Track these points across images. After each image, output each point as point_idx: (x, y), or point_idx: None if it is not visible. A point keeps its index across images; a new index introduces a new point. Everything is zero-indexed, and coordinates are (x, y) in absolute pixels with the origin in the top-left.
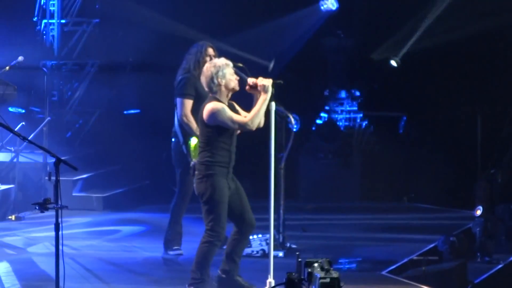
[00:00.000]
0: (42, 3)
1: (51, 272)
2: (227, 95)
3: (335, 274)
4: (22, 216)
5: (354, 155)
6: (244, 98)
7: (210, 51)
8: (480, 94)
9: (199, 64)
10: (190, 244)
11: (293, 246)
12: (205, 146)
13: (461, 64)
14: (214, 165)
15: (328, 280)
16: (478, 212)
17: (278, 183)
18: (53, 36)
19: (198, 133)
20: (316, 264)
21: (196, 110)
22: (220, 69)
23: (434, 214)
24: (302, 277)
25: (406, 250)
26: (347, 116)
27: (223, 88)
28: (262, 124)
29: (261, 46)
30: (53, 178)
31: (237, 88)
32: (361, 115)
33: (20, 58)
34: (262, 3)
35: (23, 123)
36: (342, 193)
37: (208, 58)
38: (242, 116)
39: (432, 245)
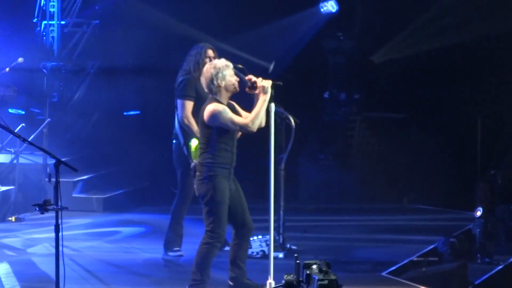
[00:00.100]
0: (42, 4)
1: (51, 273)
2: (227, 96)
3: (333, 276)
4: (22, 217)
5: (354, 157)
6: (244, 98)
7: (210, 52)
8: (480, 95)
9: (199, 65)
10: (190, 245)
11: (293, 247)
12: (206, 147)
13: (462, 65)
14: (215, 167)
15: (326, 282)
16: (478, 213)
17: (278, 184)
18: (53, 37)
19: (198, 134)
20: (314, 266)
21: (197, 112)
22: (220, 70)
23: (434, 215)
24: (301, 279)
25: (406, 251)
26: (347, 117)
27: (223, 90)
28: (263, 124)
29: (261, 48)
30: (53, 179)
31: (237, 89)
32: (361, 116)
33: (20, 60)
34: (262, 5)
35: (23, 124)
36: (342, 194)
37: (208, 60)
38: (243, 118)
39: (432, 246)
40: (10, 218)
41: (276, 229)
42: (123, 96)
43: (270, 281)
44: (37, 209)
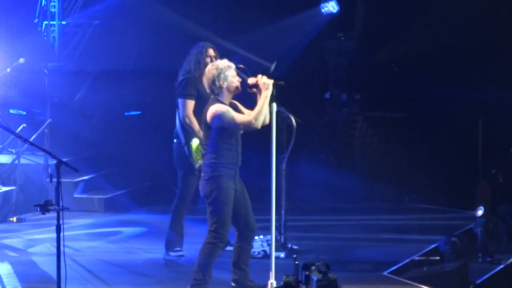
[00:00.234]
0: (43, 4)
1: (53, 273)
2: (230, 97)
3: (332, 277)
4: (23, 218)
5: (356, 156)
6: (246, 98)
7: (211, 51)
8: (481, 94)
9: (200, 65)
10: (191, 245)
11: (295, 247)
12: (210, 148)
13: (462, 65)
14: (219, 167)
15: (325, 283)
16: (480, 213)
17: (279, 184)
18: (54, 37)
19: (200, 134)
20: (313, 267)
21: (198, 111)
22: (222, 71)
23: (435, 214)
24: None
25: (407, 250)
26: (348, 117)
27: (225, 90)
28: (267, 121)
29: (261, 49)
30: (55, 179)
31: (239, 89)
32: (362, 116)
33: (21, 60)
34: (263, 6)
35: (24, 125)
36: (344, 194)
37: (208, 59)
38: (246, 115)
39: (433, 246)
40: (11, 219)
41: (277, 228)
42: (124, 96)
43: (272, 281)
44: (38, 209)
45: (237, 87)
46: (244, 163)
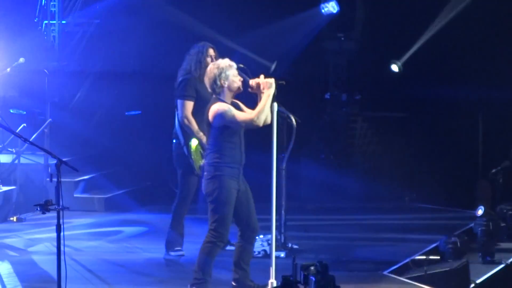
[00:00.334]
0: (43, 3)
1: (53, 273)
2: (231, 96)
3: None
4: (23, 218)
5: (356, 156)
6: (248, 98)
7: (211, 51)
8: (481, 93)
9: (200, 64)
10: (192, 245)
11: (295, 246)
12: (213, 147)
13: (462, 64)
14: (222, 166)
15: (323, 283)
16: (480, 212)
17: (279, 183)
18: (54, 37)
19: (198, 134)
20: (312, 267)
21: (197, 112)
22: (223, 70)
23: (435, 214)
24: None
25: (408, 250)
26: (348, 117)
27: (226, 90)
28: (269, 121)
29: (262, 49)
30: (55, 179)
31: (241, 89)
32: (362, 116)
33: (21, 60)
34: (263, 6)
35: (25, 124)
36: (344, 193)
37: (209, 59)
38: (248, 113)
39: (434, 245)
40: (11, 218)
41: (277, 228)
42: (125, 95)
43: (272, 280)
44: (38, 209)
45: (238, 87)
46: (246, 162)
